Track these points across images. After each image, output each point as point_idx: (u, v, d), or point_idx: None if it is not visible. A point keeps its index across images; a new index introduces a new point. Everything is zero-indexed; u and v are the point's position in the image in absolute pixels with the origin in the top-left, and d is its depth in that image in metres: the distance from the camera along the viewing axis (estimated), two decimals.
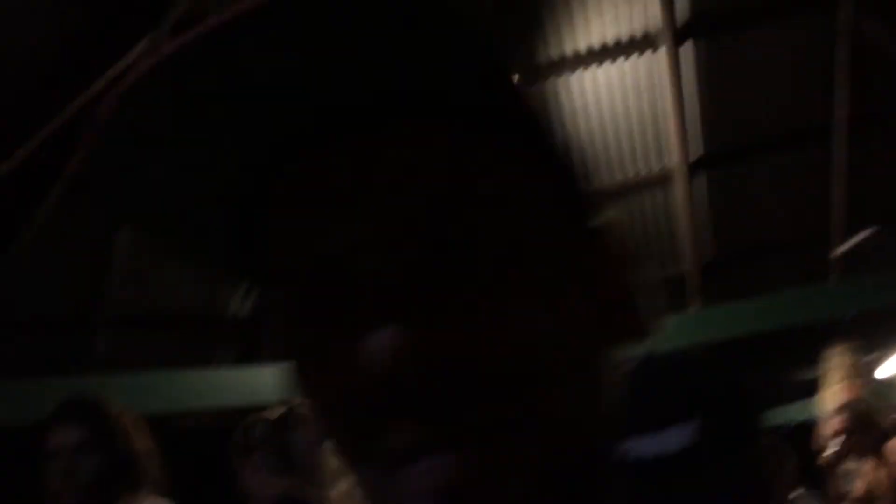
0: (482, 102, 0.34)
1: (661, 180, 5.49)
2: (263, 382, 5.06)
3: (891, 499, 2.17)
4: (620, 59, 4.90)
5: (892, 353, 4.18)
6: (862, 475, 2.23)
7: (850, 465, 2.26)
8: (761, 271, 5.70)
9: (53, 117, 3.83)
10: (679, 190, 5.46)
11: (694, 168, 5.40)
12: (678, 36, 4.83)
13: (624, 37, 4.84)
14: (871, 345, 3.28)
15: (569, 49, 4.75)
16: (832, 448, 2.28)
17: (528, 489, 0.33)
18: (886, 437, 2.22)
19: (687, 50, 4.90)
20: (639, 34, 4.84)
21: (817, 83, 5.13)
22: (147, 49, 3.97)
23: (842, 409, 2.22)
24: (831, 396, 2.23)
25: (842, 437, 2.23)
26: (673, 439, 0.85)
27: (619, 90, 5.02)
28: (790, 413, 5.88)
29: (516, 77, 0.34)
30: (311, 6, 0.30)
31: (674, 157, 5.33)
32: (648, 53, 4.90)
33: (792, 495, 2.35)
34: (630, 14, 4.74)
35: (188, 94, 0.32)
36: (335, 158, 0.34)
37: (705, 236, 5.71)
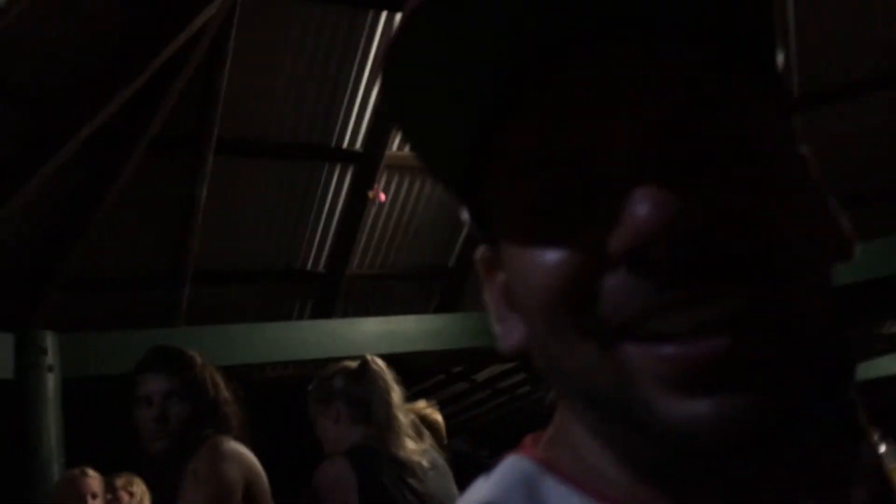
0: (738, 21, 0.38)
1: None
2: (340, 336, 5.18)
3: None
4: None
5: None
6: None
7: None
8: (852, 219, 5.41)
9: (135, 76, 3.92)
10: None
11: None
12: None
13: None
14: None
15: None
16: None
17: (776, 377, 0.34)
18: None
19: None
20: None
21: None
22: (220, 9, 4.02)
23: None
24: None
25: None
26: None
27: None
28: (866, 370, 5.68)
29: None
30: None
31: None
32: None
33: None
34: None
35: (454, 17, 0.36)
36: (592, 63, 0.37)
37: None
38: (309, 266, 5.51)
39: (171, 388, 1.91)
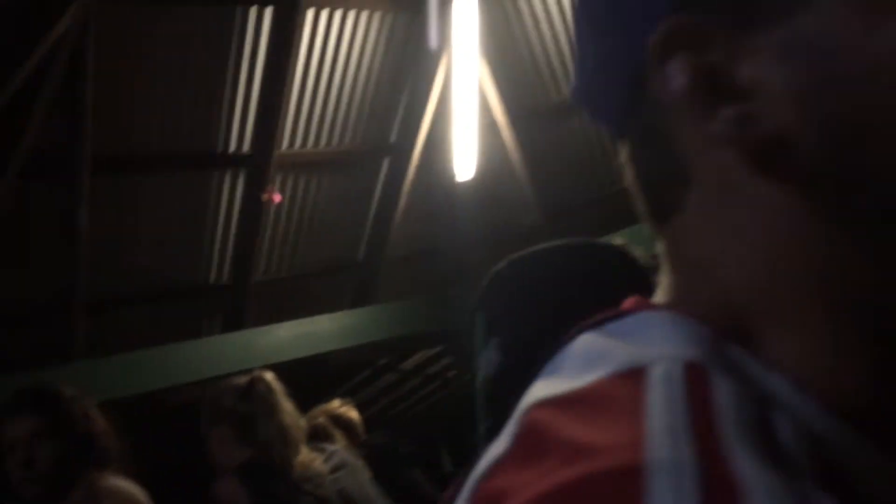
0: None
1: None
2: (255, 346, 5.01)
3: None
4: None
5: None
6: None
7: None
8: None
9: None
10: None
11: None
12: None
13: None
14: None
15: None
16: None
17: None
18: None
19: None
20: None
21: None
22: (75, 17, 3.78)
23: None
24: None
25: None
26: None
27: None
28: None
29: None
30: None
31: None
32: None
33: None
34: None
35: None
36: None
37: None
38: (212, 279, 5.30)
39: (35, 429, 1.75)
